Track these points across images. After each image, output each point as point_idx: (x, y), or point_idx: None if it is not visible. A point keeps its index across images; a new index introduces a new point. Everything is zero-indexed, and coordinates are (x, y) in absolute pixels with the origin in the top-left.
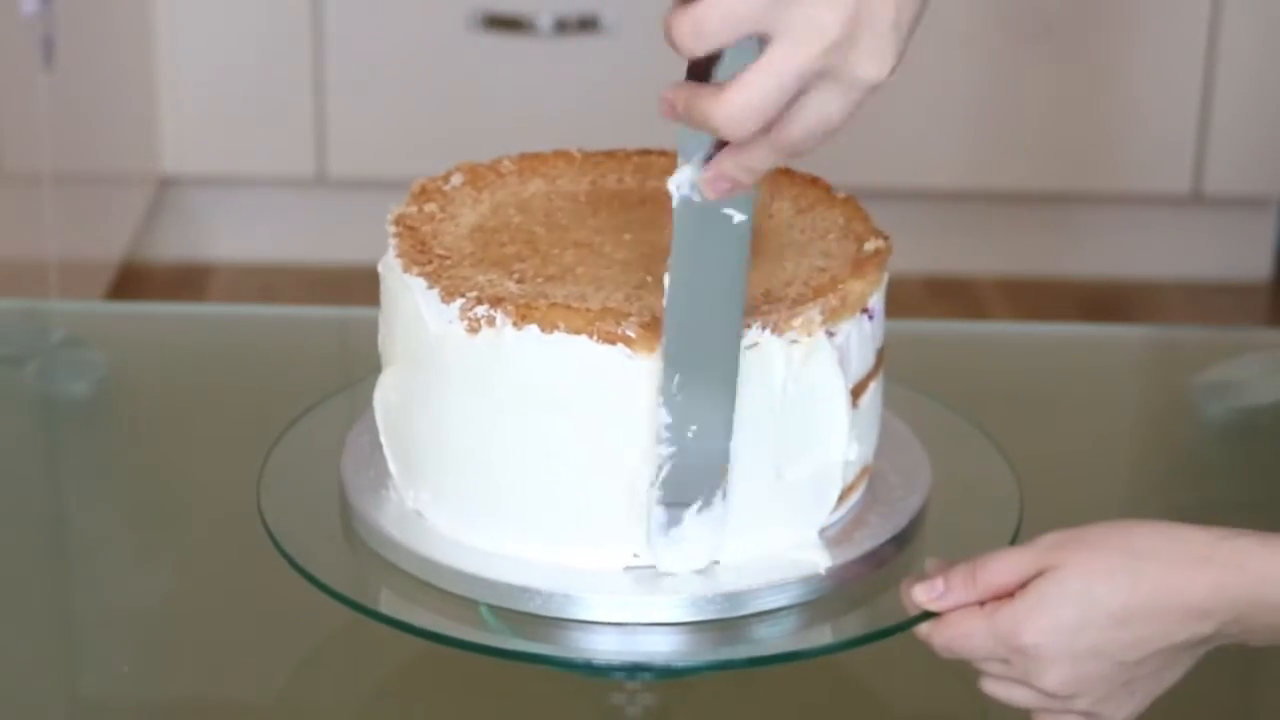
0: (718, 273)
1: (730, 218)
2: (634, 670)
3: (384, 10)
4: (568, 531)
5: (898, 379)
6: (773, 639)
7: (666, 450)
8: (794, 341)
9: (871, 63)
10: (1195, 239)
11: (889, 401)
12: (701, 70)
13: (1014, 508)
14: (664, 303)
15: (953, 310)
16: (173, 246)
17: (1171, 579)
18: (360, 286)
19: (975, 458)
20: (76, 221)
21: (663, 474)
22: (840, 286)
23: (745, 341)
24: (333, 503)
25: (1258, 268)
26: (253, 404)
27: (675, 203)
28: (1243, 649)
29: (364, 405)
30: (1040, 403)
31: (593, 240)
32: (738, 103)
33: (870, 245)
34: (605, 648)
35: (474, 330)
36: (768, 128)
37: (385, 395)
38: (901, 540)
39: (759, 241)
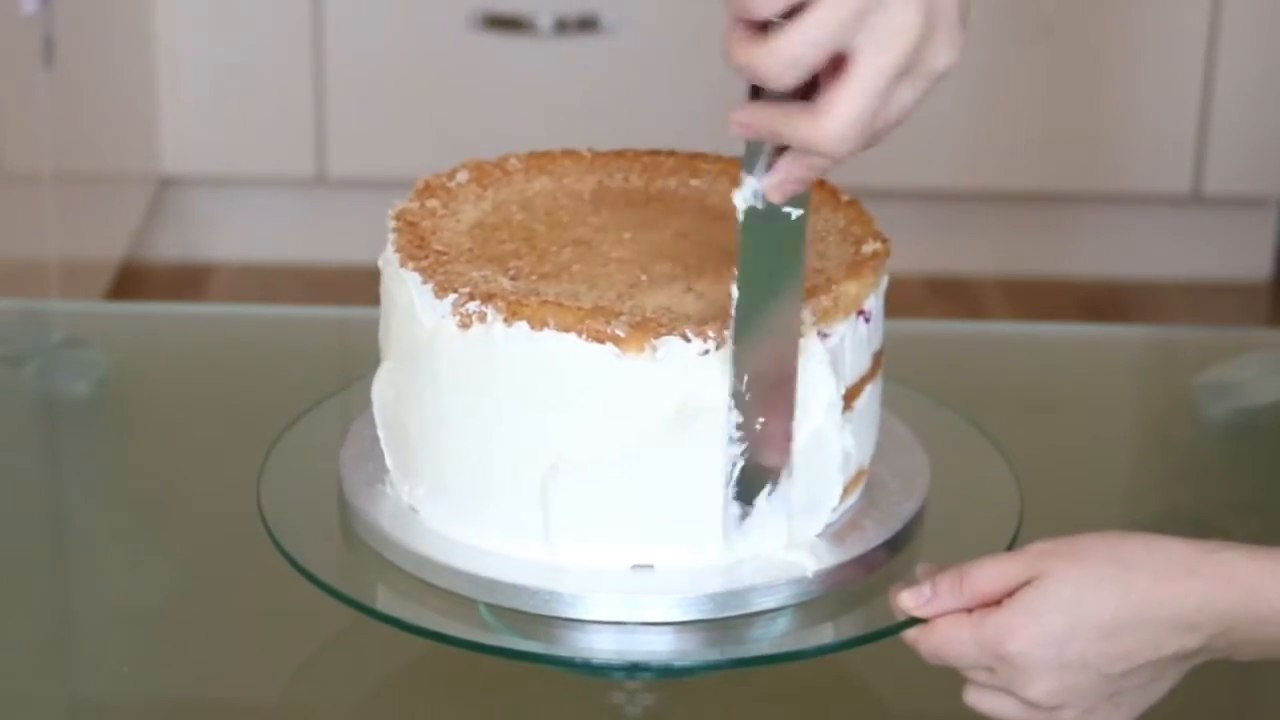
0: (781, 272)
1: (789, 215)
2: (633, 669)
3: (384, 10)
4: (563, 530)
5: (898, 379)
6: (771, 638)
7: (738, 449)
8: None
9: (945, 53)
10: (1195, 239)
11: (889, 402)
12: (764, 91)
13: (1014, 508)
14: (733, 311)
15: (953, 310)
16: (173, 246)
17: (1160, 590)
18: (360, 286)
19: (975, 458)
20: (76, 221)
21: (736, 472)
22: (834, 288)
23: None
24: (333, 502)
25: (1258, 268)
26: (253, 404)
27: (741, 215)
28: (1230, 663)
29: (363, 404)
30: (1040, 403)
31: (592, 239)
32: (841, 120)
33: (868, 248)
34: (604, 647)
35: (465, 326)
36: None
37: (382, 390)
38: (898, 542)
39: None
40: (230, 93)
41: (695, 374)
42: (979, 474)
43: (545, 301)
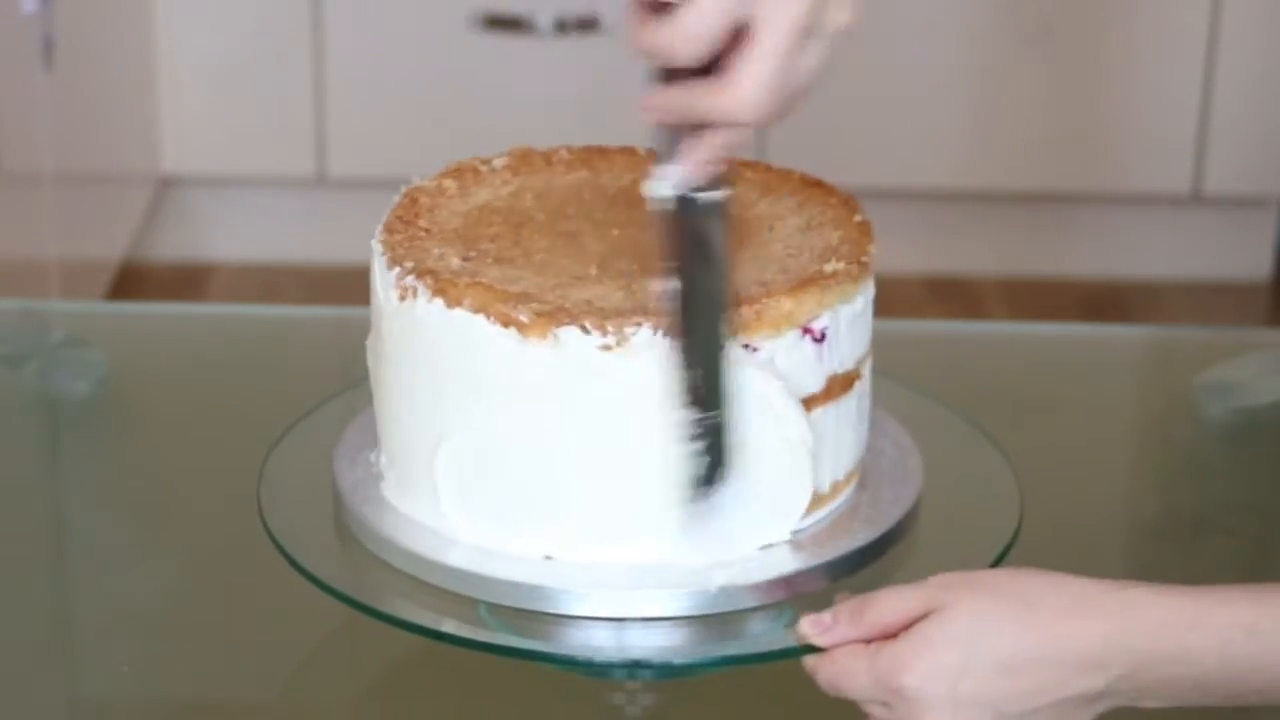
0: (708, 257)
1: (709, 200)
2: (632, 667)
3: (384, 10)
4: (457, 509)
5: (897, 379)
6: (768, 636)
7: (692, 447)
8: None
9: (843, 12)
10: (1195, 239)
11: (886, 402)
12: (673, 72)
13: (1014, 508)
14: (665, 306)
15: (952, 310)
16: (173, 246)
17: (1063, 628)
18: (360, 286)
19: (975, 458)
20: (76, 221)
21: (692, 472)
22: (764, 301)
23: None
24: (332, 502)
25: (1258, 268)
26: (253, 404)
27: (658, 204)
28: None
29: (364, 404)
30: (1040, 403)
31: (580, 231)
32: (752, 86)
33: (831, 266)
34: (603, 644)
35: (402, 299)
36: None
37: (368, 359)
38: (887, 542)
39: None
40: (230, 93)
41: (598, 367)
42: (979, 474)
43: (471, 283)
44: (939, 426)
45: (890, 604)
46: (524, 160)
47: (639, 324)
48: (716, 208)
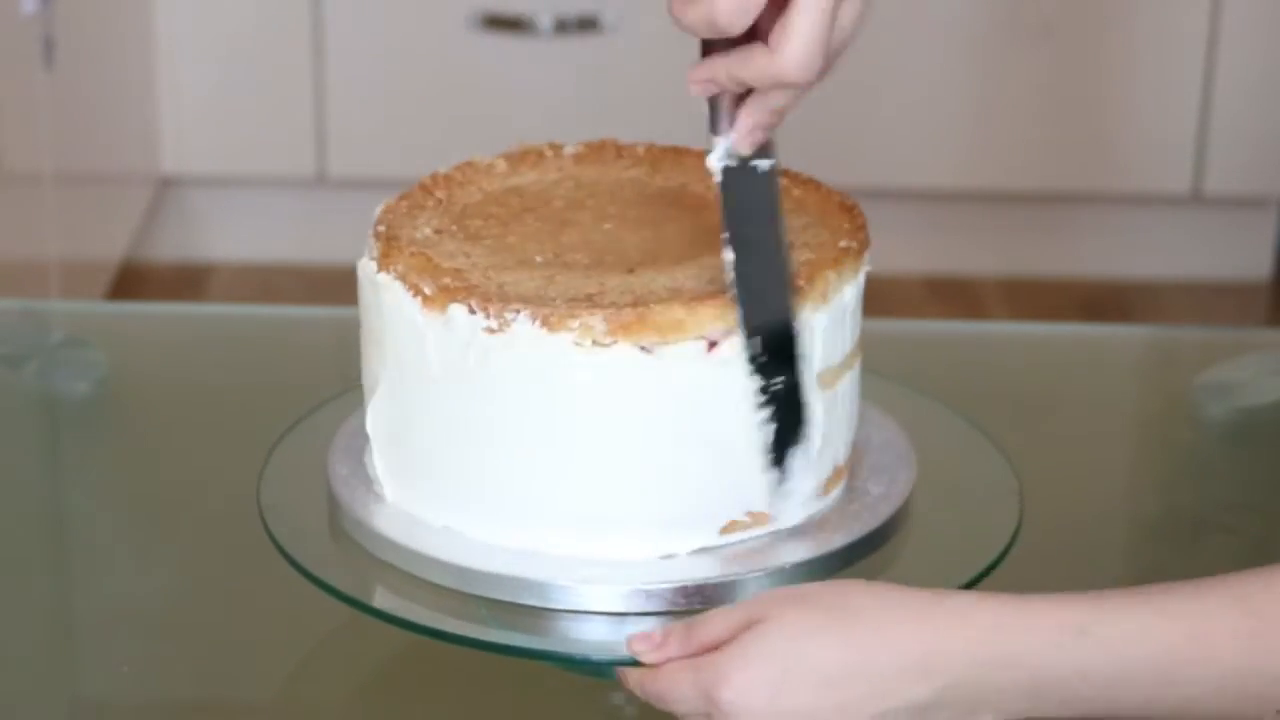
0: (764, 226)
1: (758, 169)
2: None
3: (384, 10)
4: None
5: (897, 379)
6: None
7: (764, 414)
8: (577, 343)
9: None
10: (1195, 239)
11: (887, 401)
12: (711, 43)
13: (1014, 508)
14: (728, 276)
15: (952, 310)
16: (173, 246)
17: (885, 636)
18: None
19: (974, 458)
20: (76, 221)
21: (767, 438)
22: (651, 305)
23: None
24: (331, 502)
25: (1258, 268)
26: (253, 404)
27: (718, 177)
28: None
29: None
30: (1040, 403)
31: (577, 221)
32: (799, 44)
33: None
34: (602, 642)
35: (371, 259)
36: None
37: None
38: (884, 539)
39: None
40: (230, 93)
41: (481, 345)
42: (978, 474)
43: (416, 252)
44: (939, 427)
45: (717, 624)
46: (595, 151)
47: (518, 310)
48: (769, 174)
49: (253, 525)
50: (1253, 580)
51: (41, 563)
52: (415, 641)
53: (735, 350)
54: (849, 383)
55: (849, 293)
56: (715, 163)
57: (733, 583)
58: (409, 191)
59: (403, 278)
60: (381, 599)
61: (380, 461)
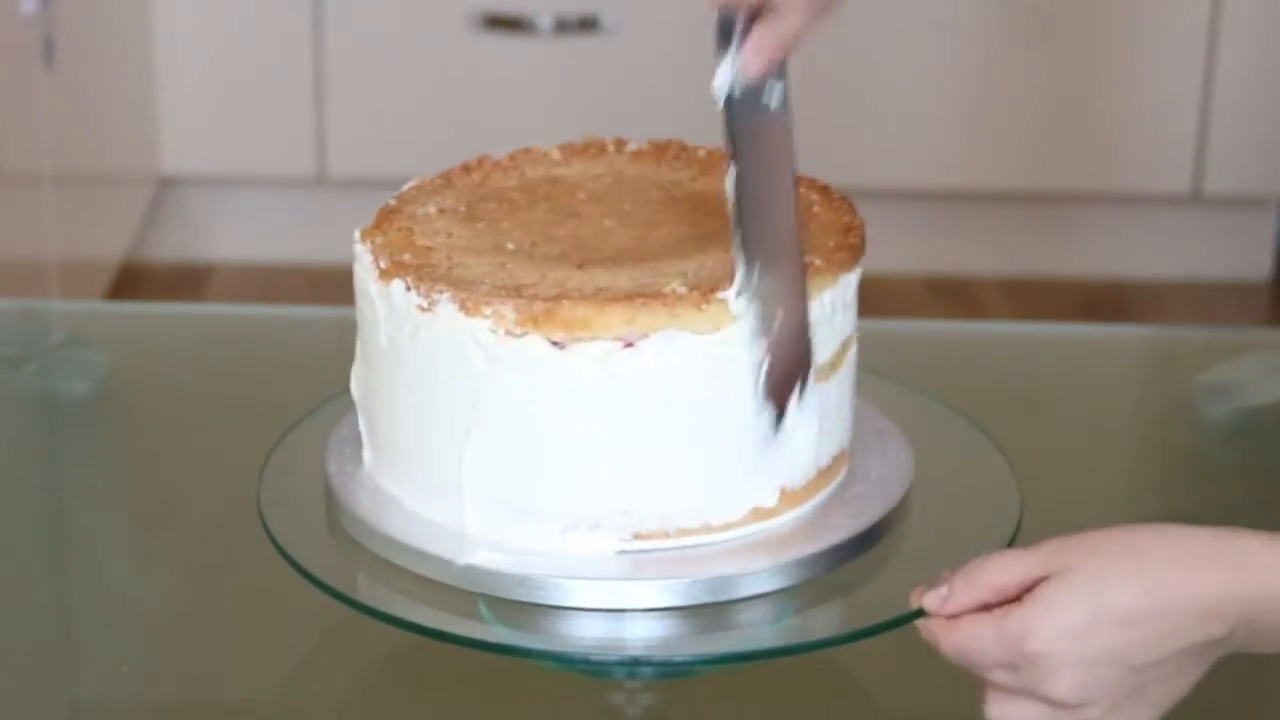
0: (769, 160)
1: (768, 106)
2: (631, 665)
3: (384, 10)
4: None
5: (897, 379)
6: (763, 631)
7: (760, 344)
8: (491, 330)
9: None
10: (1195, 239)
11: (887, 401)
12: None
13: (1014, 508)
14: (729, 199)
15: (953, 310)
16: (173, 246)
17: (1181, 578)
18: None
19: (975, 458)
20: (76, 221)
21: (762, 371)
22: (562, 300)
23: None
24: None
25: (1258, 268)
26: (253, 404)
27: (721, 101)
28: (1250, 657)
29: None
30: (1040, 403)
31: (580, 214)
32: None
33: (671, 288)
34: (602, 641)
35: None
36: None
37: None
38: (881, 537)
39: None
40: (230, 93)
41: (413, 322)
42: (978, 473)
43: (401, 228)
44: (938, 426)
45: (1004, 567)
46: (658, 150)
47: (443, 292)
48: (776, 98)
49: (252, 525)
50: None
51: (41, 563)
52: (414, 641)
53: (652, 355)
54: (842, 379)
55: (846, 281)
56: (720, 84)
57: (732, 578)
58: (449, 170)
59: (372, 250)
60: (381, 599)
61: (362, 425)
